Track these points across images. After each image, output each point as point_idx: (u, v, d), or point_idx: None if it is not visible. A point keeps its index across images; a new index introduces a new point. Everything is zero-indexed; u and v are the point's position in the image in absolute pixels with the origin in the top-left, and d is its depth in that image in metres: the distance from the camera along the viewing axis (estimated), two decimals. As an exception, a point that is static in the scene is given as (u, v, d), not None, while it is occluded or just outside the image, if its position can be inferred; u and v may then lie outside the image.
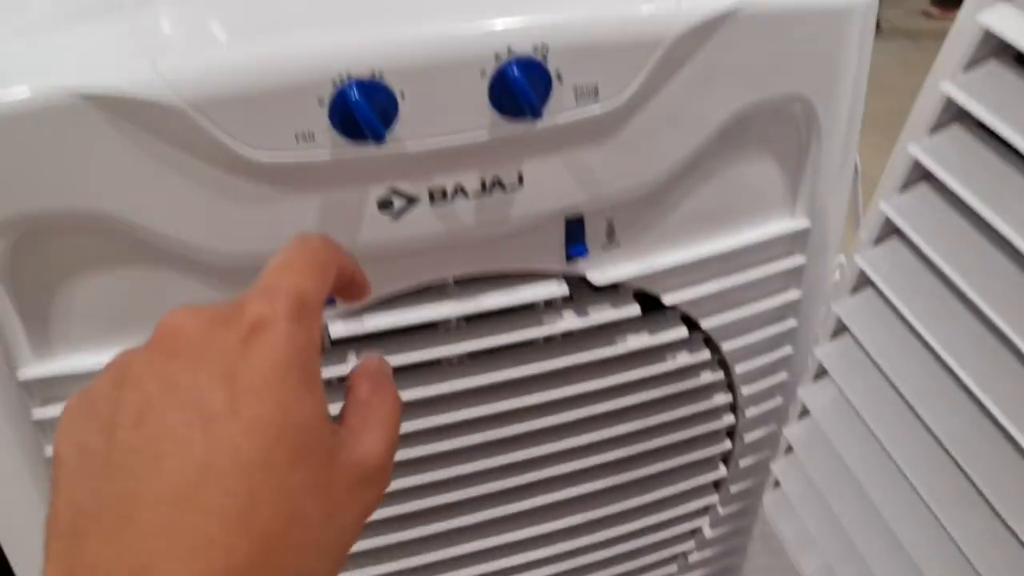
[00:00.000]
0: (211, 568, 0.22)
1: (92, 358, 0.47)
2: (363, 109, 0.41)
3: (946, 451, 0.45)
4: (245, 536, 0.22)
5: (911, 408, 0.48)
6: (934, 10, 3.00)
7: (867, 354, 0.53)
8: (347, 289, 0.32)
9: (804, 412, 0.59)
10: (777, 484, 0.63)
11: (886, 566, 0.50)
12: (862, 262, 0.52)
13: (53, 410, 0.48)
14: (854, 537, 0.52)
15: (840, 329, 0.55)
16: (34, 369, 0.46)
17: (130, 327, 0.47)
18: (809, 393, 0.57)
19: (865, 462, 0.52)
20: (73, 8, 0.44)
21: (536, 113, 0.43)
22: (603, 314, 0.54)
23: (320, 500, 0.24)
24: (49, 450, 0.49)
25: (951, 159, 0.46)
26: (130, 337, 0.47)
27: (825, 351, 0.56)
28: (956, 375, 0.45)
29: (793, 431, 0.59)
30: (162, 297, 0.46)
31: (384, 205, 0.45)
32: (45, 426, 0.48)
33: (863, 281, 0.53)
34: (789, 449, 0.61)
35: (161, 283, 0.46)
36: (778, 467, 0.61)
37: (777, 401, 0.65)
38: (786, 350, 0.63)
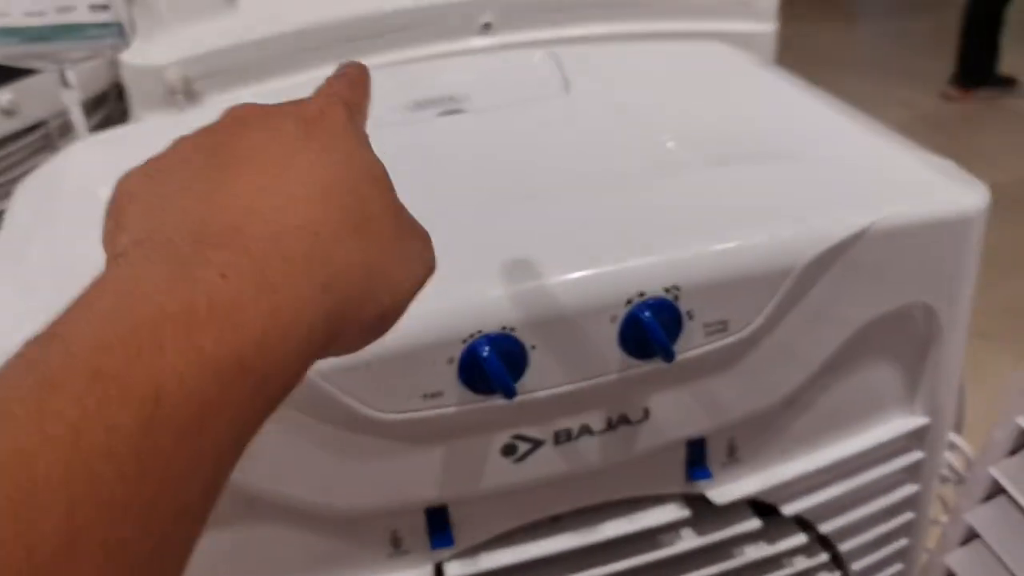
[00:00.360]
0: (302, 224, 0.22)
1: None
2: (495, 368, 0.39)
3: None
4: (329, 211, 0.23)
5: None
6: (953, 92, 2.92)
7: (1000, 561, 0.50)
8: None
9: (931, 616, 0.56)
10: None
11: None
12: (996, 473, 0.49)
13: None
14: None
15: (970, 537, 0.52)
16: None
17: (238, 578, 0.44)
18: (938, 601, 0.54)
19: None
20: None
21: (669, 356, 0.41)
22: (723, 531, 0.51)
23: (391, 218, 0.25)
24: None
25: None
26: (238, 588, 0.45)
27: (956, 558, 0.53)
28: None
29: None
30: (272, 550, 0.44)
31: (508, 451, 0.43)
32: None
33: (996, 489, 0.50)
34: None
35: (271, 537, 0.44)
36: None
37: (892, 592, 0.62)
38: (902, 543, 0.60)
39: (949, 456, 0.65)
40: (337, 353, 0.24)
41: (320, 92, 0.28)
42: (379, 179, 0.25)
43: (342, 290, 0.22)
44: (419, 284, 0.26)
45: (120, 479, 0.17)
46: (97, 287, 0.20)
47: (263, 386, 0.20)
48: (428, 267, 0.27)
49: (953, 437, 0.63)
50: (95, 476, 0.16)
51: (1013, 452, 0.49)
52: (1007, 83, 2.85)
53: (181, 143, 0.25)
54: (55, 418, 0.16)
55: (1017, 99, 2.82)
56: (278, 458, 0.40)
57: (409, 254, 0.26)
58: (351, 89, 0.29)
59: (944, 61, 2.99)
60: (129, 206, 0.23)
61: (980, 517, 0.51)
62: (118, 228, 0.23)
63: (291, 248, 0.21)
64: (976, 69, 2.83)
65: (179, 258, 0.20)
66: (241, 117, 0.26)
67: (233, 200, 0.22)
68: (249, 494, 0.41)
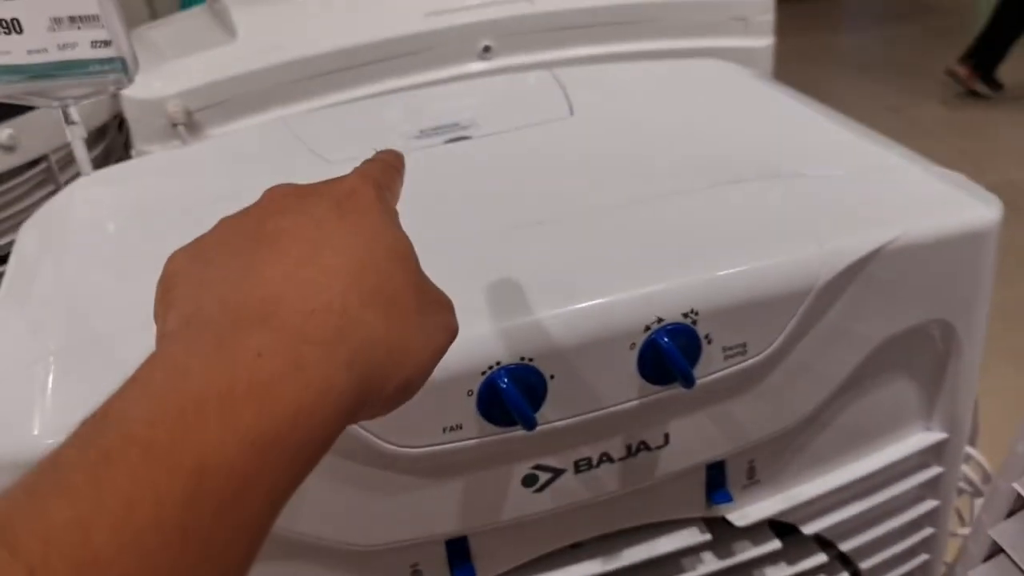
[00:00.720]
0: (330, 304, 0.24)
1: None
2: (514, 399, 0.38)
3: None
4: (355, 291, 0.24)
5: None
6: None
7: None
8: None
9: (956, 635, 0.55)
10: None
11: None
12: (1020, 488, 0.49)
13: None
14: None
15: (994, 551, 0.52)
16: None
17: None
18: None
19: None
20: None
21: (690, 382, 0.41)
22: (743, 553, 0.51)
23: (413, 294, 0.26)
24: None
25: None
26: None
27: (980, 574, 0.52)
28: None
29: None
30: (293, 587, 0.43)
31: (528, 481, 0.43)
32: None
33: (1019, 504, 0.50)
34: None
35: (293, 573, 0.43)
36: None
37: (914, 609, 0.61)
38: (922, 558, 0.59)
39: (965, 468, 0.64)
40: (367, 417, 0.26)
41: (354, 172, 0.30)
42: (404, 256, 0.27)
43: (367, 364, 0.24)
44: (441, 352, 0.28)
45: (165, 549, 0.18)
46: (148, 365, 0.21)
47: (297, 455, 0.21)
48: (450, 334, 0.29)
49: (969, 449, 0.63)
50: (144, 548, 0.17)
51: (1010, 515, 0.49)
52: (997, 87, 2.86)
53: (222, 225, 0.27)
54: (111, 490, 0.17)
55: (1002, 105, 2.83)
56: (298, 496, 0.40)
57: (431, 326, 0.27)
58: (383, 171, 0.31)
59: (931, 67, 3.00)
60: (176, 286, 0.25)
61: (1004, 533, 0.50)
62: (166, 306, 0.25)
63: (320, 326, 0.23)
64: (989, 58, 2.82)
65: (220, 338, 0.22)
66: (277, 199, 0.28)
67: (268, 281, 0.24)
68: (270, 534, 0.41)
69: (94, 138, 1.03)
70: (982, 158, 2.47)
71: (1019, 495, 0.49)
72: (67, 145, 0.70)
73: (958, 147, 2.52)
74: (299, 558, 0.43)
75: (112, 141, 1.08)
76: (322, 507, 0.41)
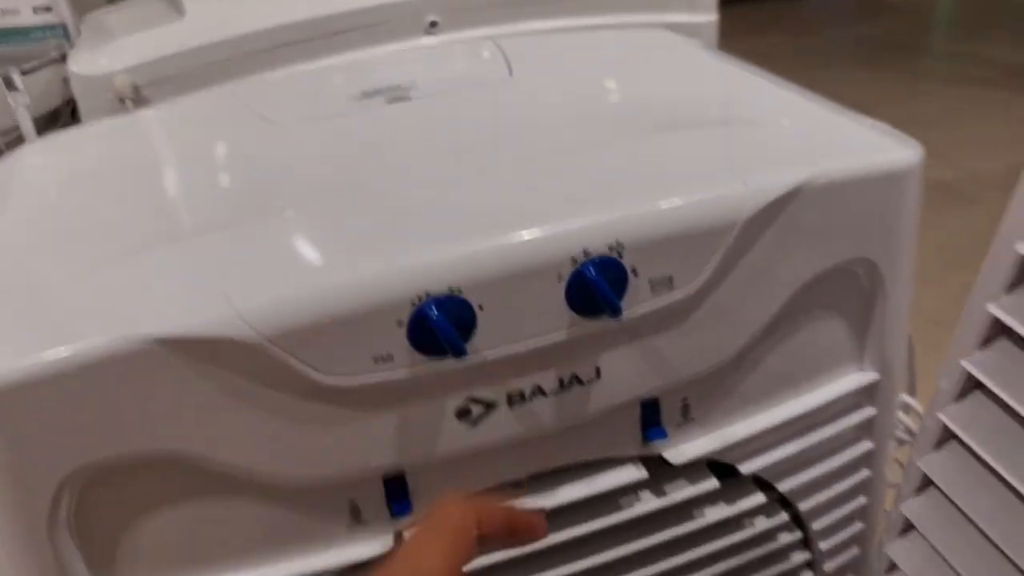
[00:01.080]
0: None
1: (160, 597, 0.44)
2: (444, 327, 0.39)
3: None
4: None
5: (1009, 559, 0.46)
6: None
7: (957, 508, 0.51)
8: (510, 537, 0.34)
9: (892, 567, 0.57)
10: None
11: None
12: (945, 418, 0.50)
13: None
14: None
15: (925, 484, 0.54)
16: (100, 615, 0.43)
17: (198, 559, 0.44)
18: (897, 550, 0.55)
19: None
20: (134, 242, 0.43)
21: (616, 312, 0.42)
22: (681, 492, 0.52)
23: None
24: None
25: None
26: (198, 570, 0.44)
27: (911, 507, 0.54)
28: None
29: (883, 589, 0.57)
30: (232, 525, 0.44)
31: (463, 414, 0.44)
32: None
33: (947, 435, 0.52)
34: (879, 605, 0.58)
35: (231, 511, 0.44)
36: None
37: (854, 552, 0.63)
38: (860, 500, 0.61)
39: (904, 418, 0.66)
40: None
41: (475, 502, 0.32)
42: None
43: None
44: None
45: None
46: None
47: None
48: None
49: (906, 398, 0.64)
50: None
51: (961, 397, 0.50)
52: None
53: None
54: None
55: (963, 98, 2.87)
56: (232, 427, 0.40)
57: None
58: (493, 523, 0.32)
59: (900, 65, 3.05)
60: None
61: (932, 463, 0.52)
62: None
63: None
64: None
65: None
66: None
67: None
68: (206, 467, 0.41)
69: (46, 122, 1.03)
70: (951, 149, 2.50)
71: (945, 426, 0.51)
72: (15, 128, 0.70)
73: (923, 138, 2.56)
74: (240, 495, 0.43)
75: (64, 125, 1.07)
76: (258, 440, 0.41)
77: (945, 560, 0.52)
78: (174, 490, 0.43)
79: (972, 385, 0.50)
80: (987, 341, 0.48)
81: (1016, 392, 0.47)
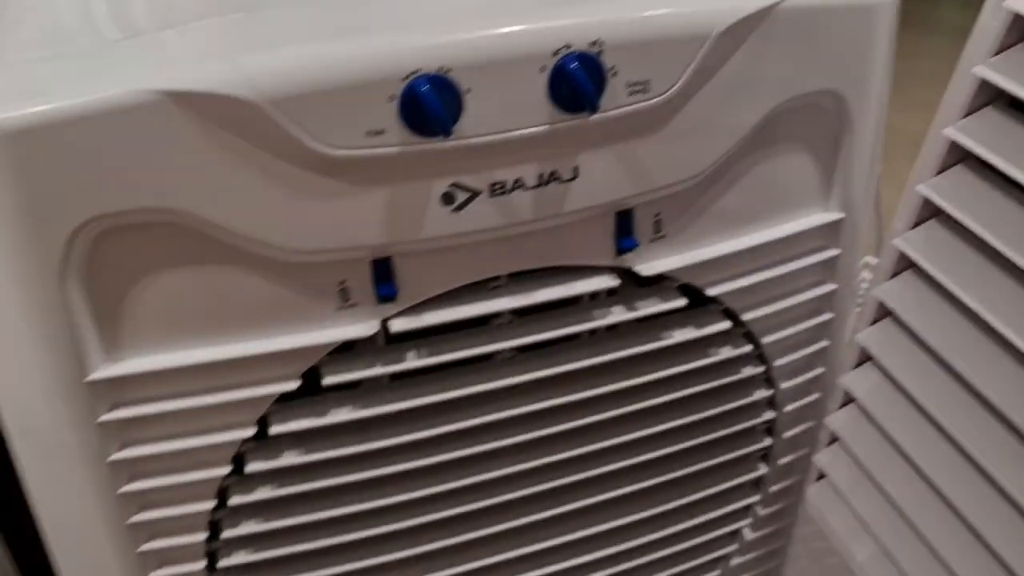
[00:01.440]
0: None
1: (159, 359, 0.48)
2: (432, 100, 0.42)
3: (1002, 417, 0.47)
4: None
5: (962, 380, 0.50)
6: None
7: (912, 333, 0.54)
8: None
9: (847, 400, 0.60)
10: (821, 476, 0.64)
11: (947, 541, 0.50)
12: (902, 244, 0.53)
13: (116, 414, 0.48)
14: (911, 516, 0.53)
15: (881, 314, 0.57)
16: (103, 371, 0.47)
17: (195, 327, 0.48)
18: (852, 380, 0.58)
19: (917, 441, 0.53)
20: (161, 15, 0.46)
21: (593, 106, 0.45)
22: (650, 307, 0.55)
23: None
24: (111, 454, 0.49)
25: (988, 139, 0.48)
26: (195, 338, 0.48)
27: (866, 336, 0.57)
28: (1008, 342, 0.46)
29: (837, 420, 0.60)
30: (228, 296, 0.47)
31: (447, 199, 0.47)
32: (108, 429, 0.49)
33: (903, 264, 0.55)
34: (833, 440, 0.62)
35: (228, 281, 0.47)
36: (823, 458, 0.62)
37: (815, 395, 0.66)
38: (822, 343, 0.64)
39: (868, 277, 0.69)
40: None
41: None
42: None
43: None
44: None
45: None
46: None
47: None
48: None
49: (870, 259, 0.67)
50: None
51: (917, 224, 0.53)
52: None
53: None
54: None
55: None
56: (232, 190, 0.43)
57: None
58: None
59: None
60: None
61: (889, 292, 0.55)
62: None
63: None
64: None
65: None
66: None
67: None
68: (208, 232, 0.44)
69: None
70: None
71: (902, 255, 0.54)
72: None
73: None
74: (237, 266, 0.46)
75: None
76: (256, 206, 0.44)
77: (899, 386, 0.55)
78: (178, 254, 0.46)
79: (929, 213, 0.53)
80: (944, 168, 0.51)
81: (973, 215, 0.49)
